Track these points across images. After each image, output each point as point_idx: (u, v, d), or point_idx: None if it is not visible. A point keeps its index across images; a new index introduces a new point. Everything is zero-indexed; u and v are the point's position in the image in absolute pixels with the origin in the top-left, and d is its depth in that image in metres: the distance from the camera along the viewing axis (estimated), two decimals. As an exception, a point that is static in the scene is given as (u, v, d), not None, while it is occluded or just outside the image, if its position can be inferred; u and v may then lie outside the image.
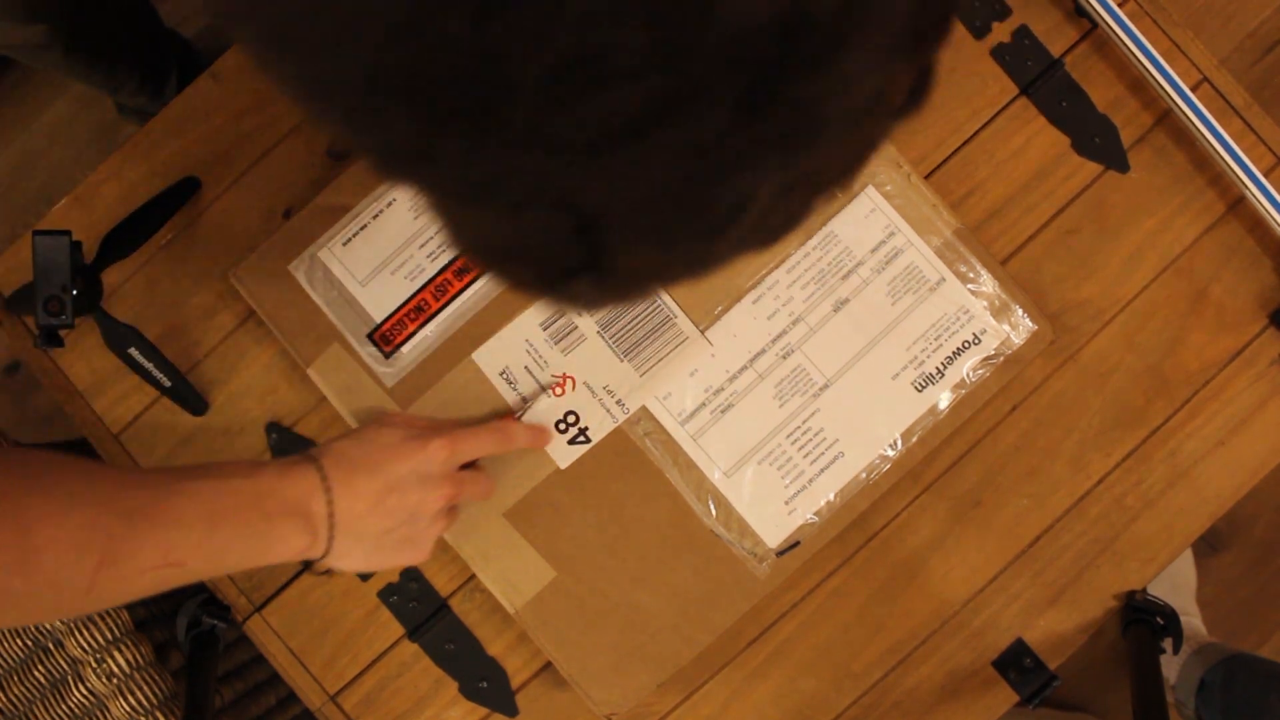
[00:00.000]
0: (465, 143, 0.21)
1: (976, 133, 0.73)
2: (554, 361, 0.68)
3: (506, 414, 0.67)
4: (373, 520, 0.58)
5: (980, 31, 0.73)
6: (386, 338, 0.68)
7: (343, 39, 0.19)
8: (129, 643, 0.79)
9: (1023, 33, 0.73)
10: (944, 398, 0.68)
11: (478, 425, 0.64)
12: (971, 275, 0.68)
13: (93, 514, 0.49)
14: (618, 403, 0.68)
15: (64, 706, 0.82)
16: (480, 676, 0.72)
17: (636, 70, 0.19)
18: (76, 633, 0.77)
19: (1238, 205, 0.73)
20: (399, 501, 0.59)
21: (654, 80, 0.19)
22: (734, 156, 0.21)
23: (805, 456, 0.68)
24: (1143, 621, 0.73)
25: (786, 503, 0.67)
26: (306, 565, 0.71)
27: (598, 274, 0.25)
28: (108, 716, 0.80)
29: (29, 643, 0.82)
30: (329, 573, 0.72)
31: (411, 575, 0.72)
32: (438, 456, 0.60)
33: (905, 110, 0.26)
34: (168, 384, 0.70)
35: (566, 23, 0.18)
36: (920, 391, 0.68)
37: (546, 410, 0.68)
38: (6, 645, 0.82)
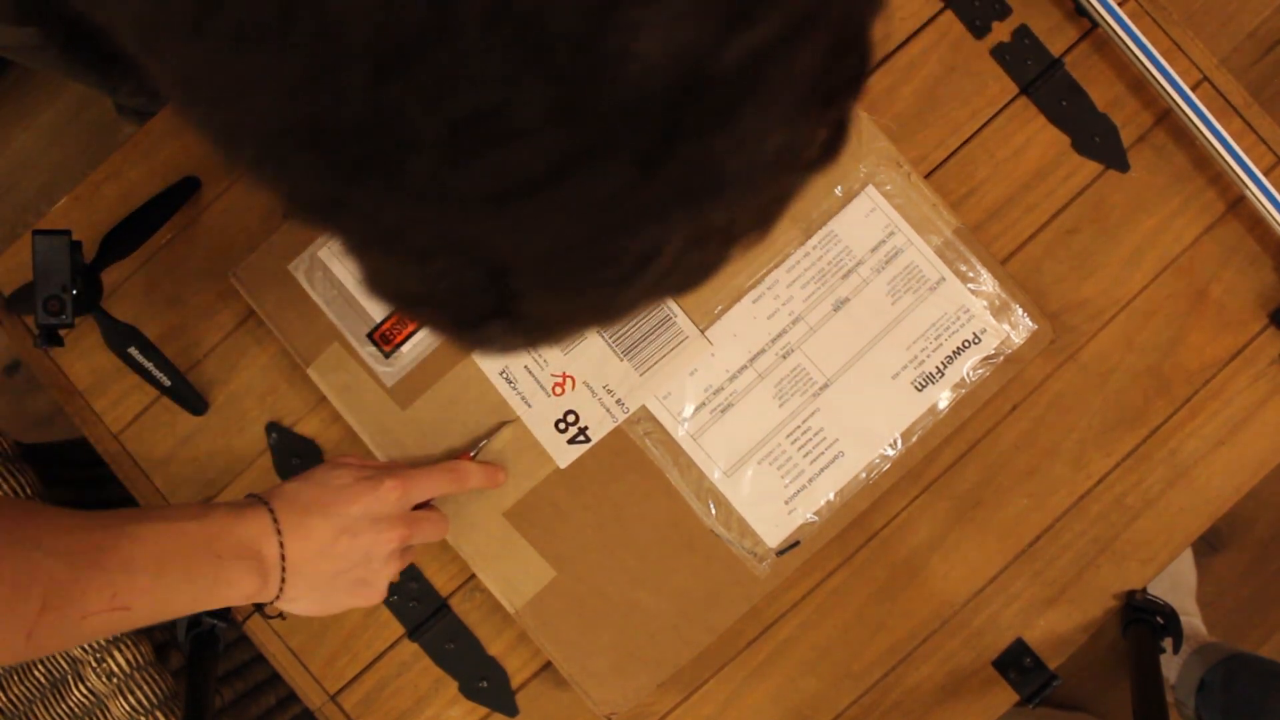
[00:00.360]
0: (371, 194, 0.21)
1: (976, 132, 0.73)
2: (554, 360, 0.68)
3: (461, 453, 0.67)
4: (325, 562, 0.58)
5: (980, 31, 0.73)
6: (386, 337, 0.68)
7: (246, 91, 0.20)
8: (129, 642, 0.79)
9: (1023, 32, 0.73)
10: (944, 397, 0.68)
11: (430, 465, 0.64)
12: (971, 274, 0.68)
13: (36, 557, 0.48)
14: (617, 402, 0.68)
15: (64, 706, 0.82)
16: (480, 676, 0.72)
17: (536, 127, 0.19)
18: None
19: (1238, 205, 0.73)
20: (351, 543, 0.58)
21: (554, 137, 0.19)
22: (637, 210, 0.22)
23: (805, 456, 0.68)
24: (1143, 621, 0.73)
25: (786, 502, 0.67)
26: (258, 608, 0.70)
27: (509, 320, 0.25)
28: (108, 716, 0.80)
29: (29, 642, 0.81)
30: (281, 616, 0.71)
31: (411, 575, 0.72)
32: (389, 497, 0.59)
33: (820, 163, 0.26)
34: (167, 383, 0.70)
35: (466, 81, 0.18)
36: (920, 391, 0.68)
37: (543, 411, 0.68)
38: (6, 645, 0.82)
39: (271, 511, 0.57)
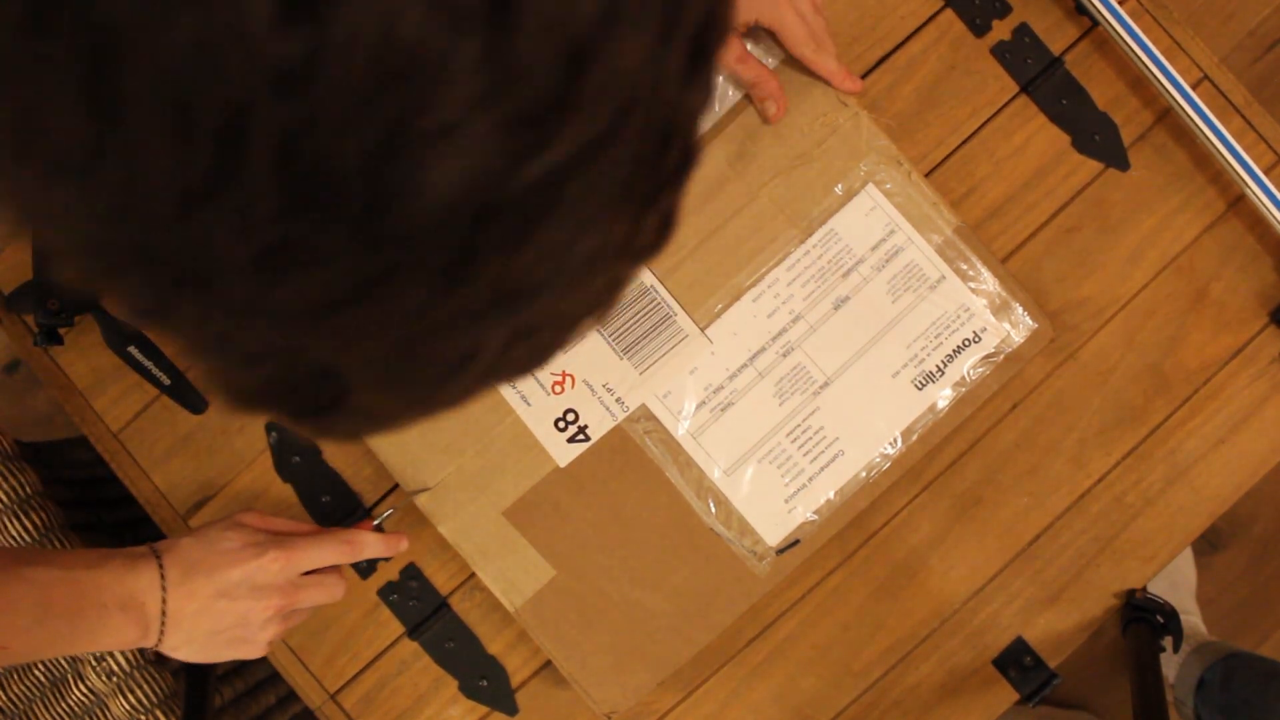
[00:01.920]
0: (194, 307, 0.22)
1: (977, 131, 0.73)
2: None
3: (365, 520, 0.69)
4: (203, 620, 0.61)
5: (980, 29, 0.73)
6: (386, 336, 0.68)
7: (61, 218, 0.20)
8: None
9: (1023, 30, 0.73)
10: (944, 396, 0.67)
11: (326, 535, 0.66)
12: (972, 273, 0.68)
13: None
14: (617, 401, 0.68)
15: (64, 705, 0.82)
16: (480, 675, 0.72)
17: (336, 253, 0.20)
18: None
19: (1238, 203, 0.73)
20: (229, 606, 0.61)
21: (353, 261, 0.20)
22: (444, 321, 0.22)
23: (805, 455, 0.67)
24: (1143, 620, 0.73)
25: (786, 501, 0.67)
26: (139, 650, 0.73)
27: (345, 413, 0.26)
28: (107, 715, 0.80)
29: (28, 641, 0.81)
30: (162, 658, 0.73)
31: (411, 574, 0.72)
32: (271, 568, 0.62)
33: (652, 249, 0.26)
34: (167, 382, 0.70)
35: (266, 213, 0.19)
36: (920, 390, 0.68)
37: (543, 410, 0.68)
38: (6, 644, 0.82)
39: (161, 566, 0.60)
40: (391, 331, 0.22)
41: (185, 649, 0.62)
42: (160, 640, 0.61)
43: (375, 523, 0.68)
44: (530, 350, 0.26)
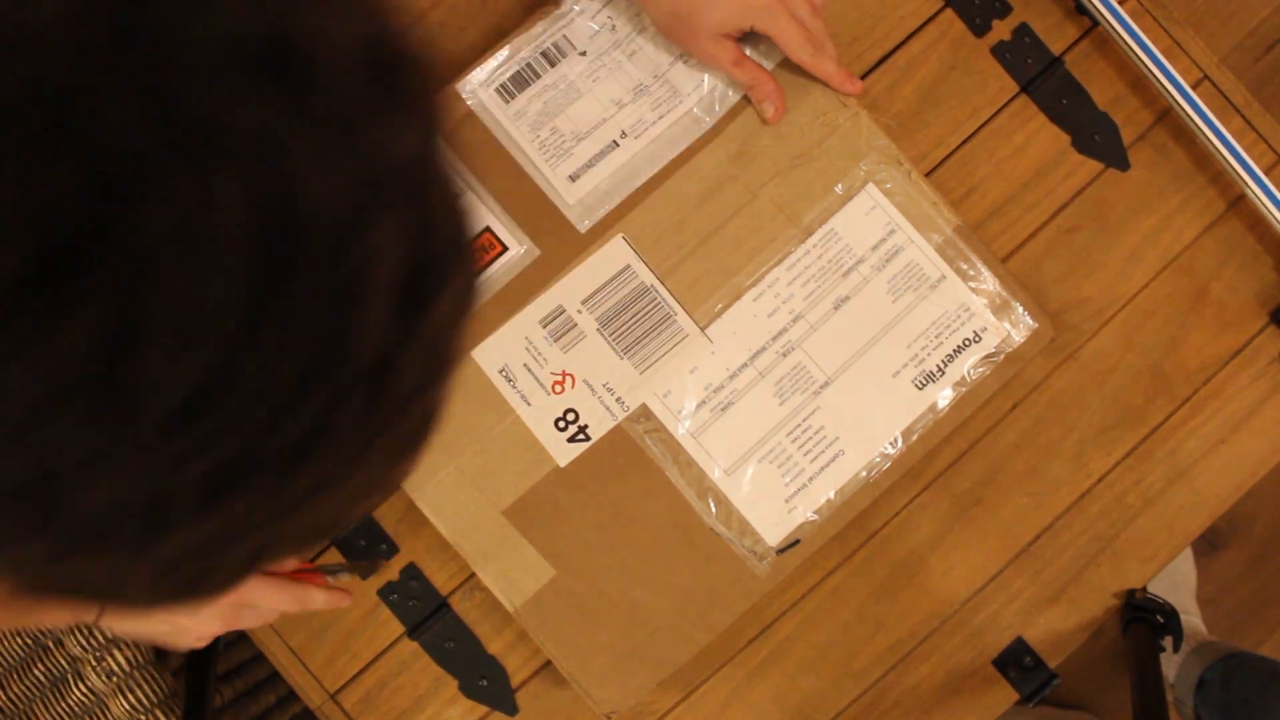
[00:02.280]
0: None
1: (977, 131, 0.73)
2: (553, 359, 0.68)
3: (318, 575, 0.68)
4: (139, 624, 0.64)
5: (980, 29, 0.73)
6: (386, 336, 0.68)
7: None
8: (129, 641, 0.79)
9: (1023, 30, 0.73)
10: (944, 396, 0.67)
11: (276, 579, 0.66)
12: (972, 272, 0.68)
13: None
14: (617, 400, 0.67)
15: (64, 705, 0.82)
16: (480, 675, 0.72)
17: (23, 556, 0.22)
18: (76, 631, 0.77)
19: (1238, 203, 0.73)
20: (165, 617, 0.63)
21: (45, 553, 0.22)
22: (190, 552, 0.23)
23: (805, 454, 0.67)
24: (1143, 620, 0.73)
25: (786, 501, 0.67)
26: None
27: (128, 600, 0.28)
28: (107, 715, 0.80)
29: (29, 641, 0.81)
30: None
31: (411, 574, 0.72)
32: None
33: (416, 445, 0.26)
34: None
35: (64, 521, 0.21)
36: (921, 389, 0.68)
37: (543, 409, 0.68)
38: (6, 644, 0.82)
39: None
40: (144, 570, 0.24)
41: (119, 629, 0.67)
42: (98, 621, 0.65)
43: (329, 579, 0.69)
44: (301, 534, 0.26)
